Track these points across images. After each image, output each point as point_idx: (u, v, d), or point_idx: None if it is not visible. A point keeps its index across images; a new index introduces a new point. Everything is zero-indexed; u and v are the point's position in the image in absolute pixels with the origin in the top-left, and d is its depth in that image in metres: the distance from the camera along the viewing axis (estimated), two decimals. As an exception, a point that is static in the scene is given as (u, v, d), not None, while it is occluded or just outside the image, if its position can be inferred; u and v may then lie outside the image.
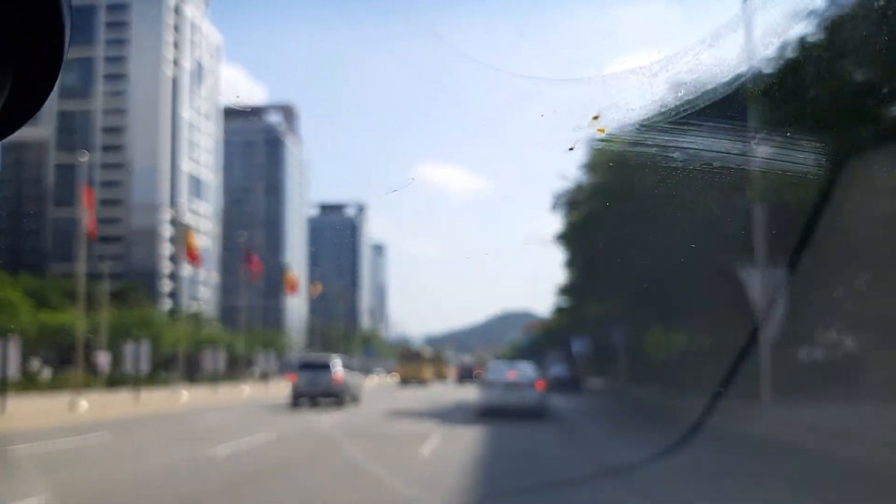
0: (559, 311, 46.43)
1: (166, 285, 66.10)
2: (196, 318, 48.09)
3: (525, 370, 17.37)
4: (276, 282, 73.99)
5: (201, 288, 65.90)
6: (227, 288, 75.13)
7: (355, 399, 23.41)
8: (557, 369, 35.94)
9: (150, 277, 58.66)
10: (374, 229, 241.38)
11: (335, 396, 21.82)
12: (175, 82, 76.41)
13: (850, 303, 14.40)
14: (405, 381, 42.78)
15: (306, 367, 22.59)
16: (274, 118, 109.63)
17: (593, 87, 2.65)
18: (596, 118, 2.62)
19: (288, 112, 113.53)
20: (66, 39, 1.11)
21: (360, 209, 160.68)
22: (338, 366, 22.40)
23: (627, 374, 33.52)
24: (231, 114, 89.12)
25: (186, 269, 63.12)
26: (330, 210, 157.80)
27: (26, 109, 1.15)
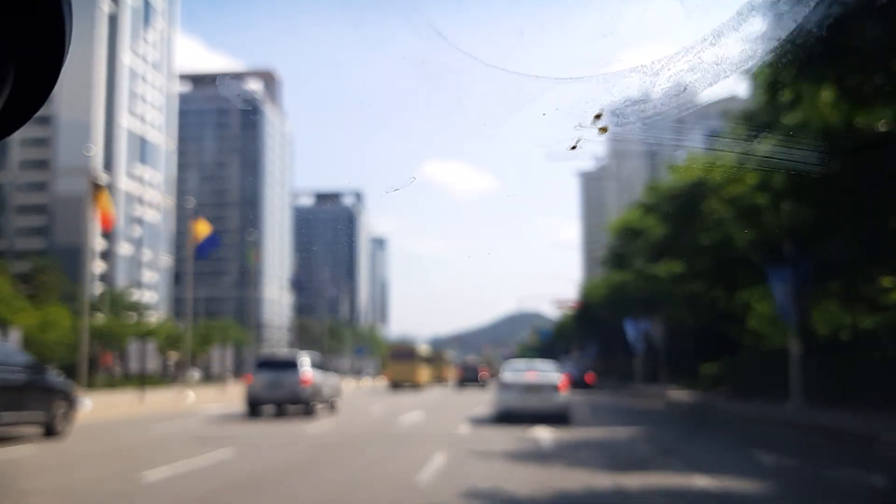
0: (616, 259, 30.95)
1: (98, 266, 58.09)
2: (117, 304, 43.27)
3: (546, 370, 16.87)
4: (253, 271, 70.14)
5: (146, 272, 59.83)
6: (184, 274, 70.74)
7: (331, 406, 20.41)
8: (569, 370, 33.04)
9: (77, 255, 53.05)
10: (381, 227, 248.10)
11: (303, 403, 18.55)
12: (113, 21, 69.49)
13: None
14: (396, 384, 38.93)
15: (266, 366, 19.39)
16: (253, 86, 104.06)
17: (595, 86, 2.91)
18: (598, 117, 2.88)
19: (268, 79, 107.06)
20: (68, 37, 1.19)
21: (358, 198, 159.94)
22: (306, 364, 19.09)
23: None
24: (201, 78, 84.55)
25: (125, 248, 56.91)
26: (325, 199, 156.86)
27: (28, 107, 1.23)
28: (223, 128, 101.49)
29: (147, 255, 57.23)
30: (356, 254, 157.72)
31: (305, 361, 19.41)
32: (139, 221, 56.34)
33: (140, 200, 58.26)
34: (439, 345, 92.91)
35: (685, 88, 3.04)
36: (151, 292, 56.56)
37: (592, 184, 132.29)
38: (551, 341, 66.55)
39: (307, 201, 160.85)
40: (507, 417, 15.65)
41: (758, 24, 3.01)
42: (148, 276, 57.53)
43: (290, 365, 19.07)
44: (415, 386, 37.94)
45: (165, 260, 59.86)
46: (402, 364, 37.83)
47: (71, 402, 13.38)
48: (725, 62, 2.98)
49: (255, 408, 19.02)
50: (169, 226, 59.60)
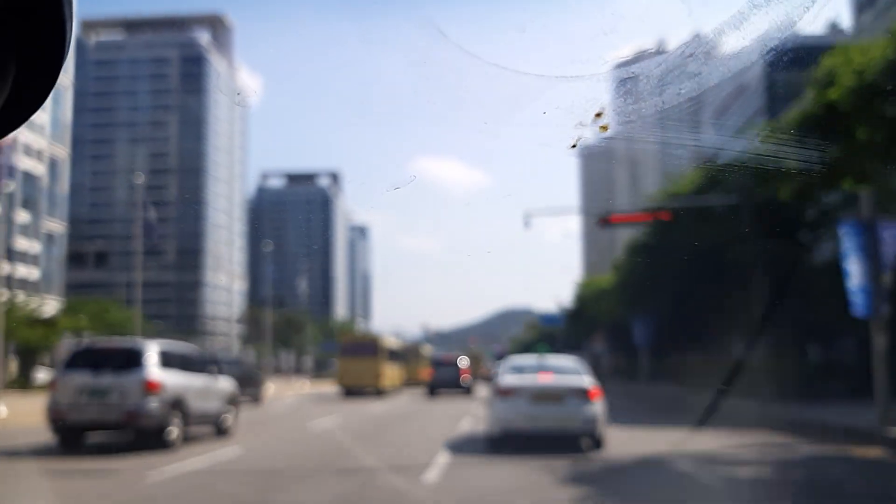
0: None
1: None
2: None
3: (567, 369, 13.04)
4: (193, 251, 62.44)
5: (21, 239, 47.91)
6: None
7: (219, 429, 14.15)
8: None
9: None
10: (373, 225, 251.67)
11: (147, 427, 11.84)
12: None
13: None
14: (350, 389, 31.20)
15: (83, 363, 12.14)
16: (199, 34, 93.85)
17: (596, 84, 3.09)
18: (599, 115, 3.01)
19: (217, 25, 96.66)
20: (68, 36, 1.24)
21: (335, 179, 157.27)
22: (154, 361, 11.89)
23: None
24: (137, 24, 76.62)
25: (-11, 204, 46.77)
26: (297, 180, 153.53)
27: (28, 105, 1.29)
28: (159, 80, 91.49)
29: (23, 217, 46.81)
30: (332, 240, 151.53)
31: (152, 355, 12.16)
32: (9, 171, 45.98)
33: (11, 145, 48.08)
34: (431, 341, 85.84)
35: (687, 87, 3.18)
36: (30, 267, 46.44)
37: (594, 160, 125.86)
38: (556, 332, 57.53)
39: (277, 181, 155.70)
40: (508, 441, 11.77)
41: (759, 23, 3.07)
42: (24, 244, 47.05)
43: (127, 361, 11.96)
44: (377, 391, 30.38)
45: (55, 226, 49.31)
46: (358, 361, 29.91)
47: None
48: (727, 60, 3.19)
49: (68, 435, 11.91)
50: (61, 183, 49.77)
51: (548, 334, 60.62)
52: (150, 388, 11.82)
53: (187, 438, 12.96)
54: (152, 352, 12.17)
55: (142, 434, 12.01)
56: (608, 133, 3.14)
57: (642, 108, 3.25)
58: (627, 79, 3.27)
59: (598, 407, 11.53)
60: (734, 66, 3.23)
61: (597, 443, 11.44)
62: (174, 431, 12.12)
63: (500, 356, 49.88)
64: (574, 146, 3.11)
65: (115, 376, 11.86)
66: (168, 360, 12.45)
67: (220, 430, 14.25)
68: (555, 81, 2.95)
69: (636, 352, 33.66)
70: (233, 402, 14.96)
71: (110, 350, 12.57)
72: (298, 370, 63.89)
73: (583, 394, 11.56)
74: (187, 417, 12.60)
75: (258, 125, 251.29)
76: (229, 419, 14.54)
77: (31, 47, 1.22)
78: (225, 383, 14.81)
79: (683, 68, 3.13)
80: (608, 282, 37.08)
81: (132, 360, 12.03)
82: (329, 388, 36.89)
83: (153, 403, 11.75)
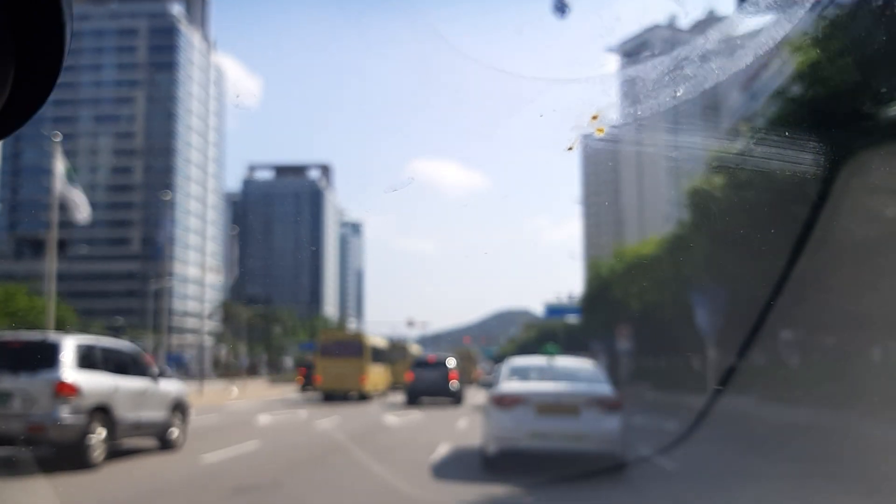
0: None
1: None
2: None
3: (582, 374, 11.41)
4: (160, 240, 59.76)
5: None
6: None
7: (164, 442, 12.29)
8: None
9: None
10: (370, 228, 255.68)
11: (60, 440, 9.84)
12: None
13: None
14: (330, 393, 28.15)
15: None
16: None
17: (592, 87, 3.19)
18: (595, 118, 3.15)
19: None
20: (68, 37, 1.29)
21: (325, 172, 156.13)
22: (68, 359, 10.03)
23: None
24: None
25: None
26: (287, 172, 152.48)
27: (28, 106, 1.33)
28: (127, 53, 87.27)
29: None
30: (321, 235, 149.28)
31: (69, 353, 10.14)
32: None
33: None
34: (426, 343, 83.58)
35: (683, 89, 3.26)
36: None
37: (597, 157, 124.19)
38: (558, 331, 54.93)
39: (266, 174, 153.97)
40: (508, 462, 10.21)
41: (755, 26, 3.20)
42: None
43: (35, 359, 10.00)
44: (361, 395, 28.23)
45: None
46: (339, 362, 27.65)
47: None
48: (723, 63, 3.27)
49: None
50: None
51: (548, 332, 58.45)
52: (62, 391, 9.84)
53: (117, 454, 10.99)
54: (68, 348, 10.16)
55: (58, 449, 10.04)
56: (604, 135, 3.27)
57: (639, 110, 3.33)
58: (624, 81, 3.53)
59: (621, 422, 10.21)
60: (731, 69, 3.26)
61: (619, 465, 10.05)
62: (96, 446, 10.11)
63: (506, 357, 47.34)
64: (571, 148, 3.30)
65: (18, 378, 9.89)
66: (89, 359, 10.49)
67: (165, 444, 12.26)
68: (552, 84, 3.38)
69: (673, 350, 27.11)
70: (181, 409, 12.96)
71: (15, 345, 10.55)
72: (278, 370, 61.98)
73: (604, 404, 10.05)
74: (115, 429, 10.63)
75: (251, 124, 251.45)
76: (176, 430, 12.55)
77: (31, 47, 1.24)
78: (171, 387, 12.82)
79: (679, 71, 3.22)
80: (655, 245, 28.08)
81: (42, 358, 10.09)
82: (292, 392, 34.50)
83: (66, 412, 9.76)
